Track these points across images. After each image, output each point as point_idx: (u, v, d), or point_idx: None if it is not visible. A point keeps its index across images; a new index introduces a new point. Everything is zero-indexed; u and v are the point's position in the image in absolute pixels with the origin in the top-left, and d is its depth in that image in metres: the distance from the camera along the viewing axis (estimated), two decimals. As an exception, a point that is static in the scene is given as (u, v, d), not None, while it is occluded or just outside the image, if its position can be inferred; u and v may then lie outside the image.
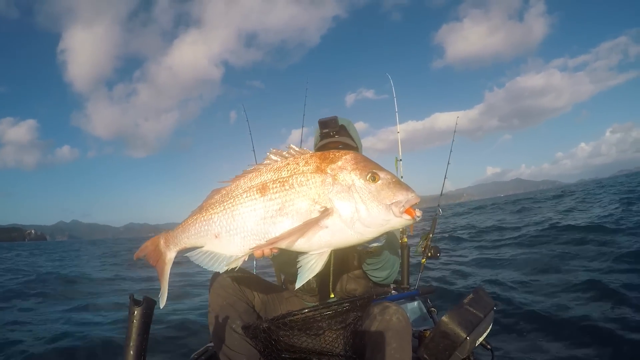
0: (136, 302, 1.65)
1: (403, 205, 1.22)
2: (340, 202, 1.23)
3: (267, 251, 1.30)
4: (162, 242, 1.42)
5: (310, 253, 1.28)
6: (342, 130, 1.99)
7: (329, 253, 1.28)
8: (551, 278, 5.29)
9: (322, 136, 1.95)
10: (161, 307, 1.39)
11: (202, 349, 2.20)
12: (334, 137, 1.93)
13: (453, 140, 3.44)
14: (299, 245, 1.26)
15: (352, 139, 2.00)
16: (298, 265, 1.29)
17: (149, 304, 1.67)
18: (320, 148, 1.93)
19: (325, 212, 1.23)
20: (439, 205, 3.23)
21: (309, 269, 1.26)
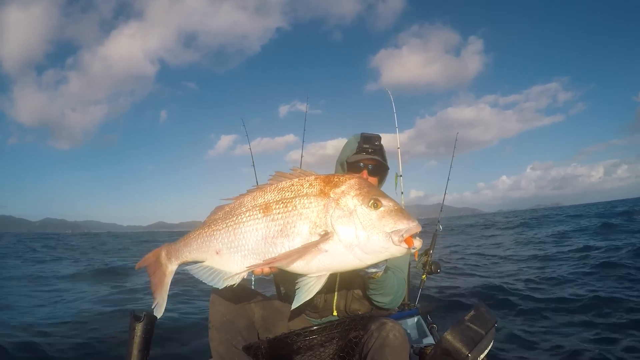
0: (137, 318, 1.67)
1: (402, 235, 1.23)
2: (341, 227, 1.25)
3: (266, 270, 1.32)
4: (163, 254, 1.45)
5: (309, 275, 1.30)
6: (380, 149, 2.01)
7: (327, 276, 1.30)
8: (552, 291, 5.41)
9: (359, 149, 1.97)
10: (158, 317, 1.41)
11: None
12: (370, 154, 1.95)
13: (453, 156, 3.53)
14: (298, 267, 1.28)
15: (386, 161, 2.04)
16: (296, 287, 1.31)
17: (150, 320, 1.69)
18: (352, 161, 1.96)
19: (326, 236, 1.25)
20: (439, 222, 3.27)
21: (307, 291, 1.28)
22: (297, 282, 1.31)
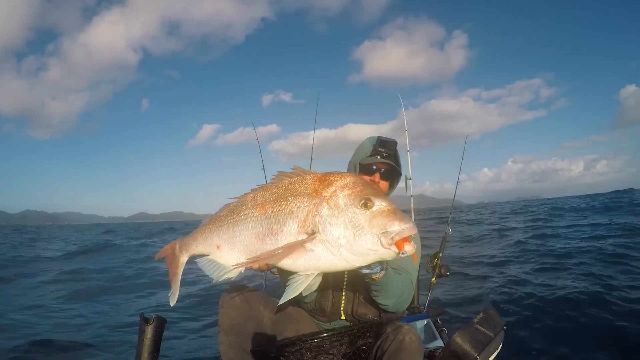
0: (146, 321, 1.73)
1: (392, 237, 1.14)
2: (328, 227, 1.21)
3: (263, 266, 1.35)
4: (177, 246, 1.60)
5: (298, 273, 1.28)
6: (395, 155, 1.99)
7: (315, 275, 1.27)
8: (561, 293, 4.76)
9: (374, 152, 1.96)
10: (171, 305, 1.53)
11: None
12: (384, 158, 1.94)
13: (462, 159, 3.47)
14: (286, 265, 1.28)
15: (399, 166, 1.99)
16: (287, 283, 1.30)
17: (160, 323, 1.74)
18: (365, 164, 1.95)
19: (312, 236, 1.22)
20: (448, 224, 3.23)
21: (294, 289, 1.27)
22: (288, 279, 1.31)
